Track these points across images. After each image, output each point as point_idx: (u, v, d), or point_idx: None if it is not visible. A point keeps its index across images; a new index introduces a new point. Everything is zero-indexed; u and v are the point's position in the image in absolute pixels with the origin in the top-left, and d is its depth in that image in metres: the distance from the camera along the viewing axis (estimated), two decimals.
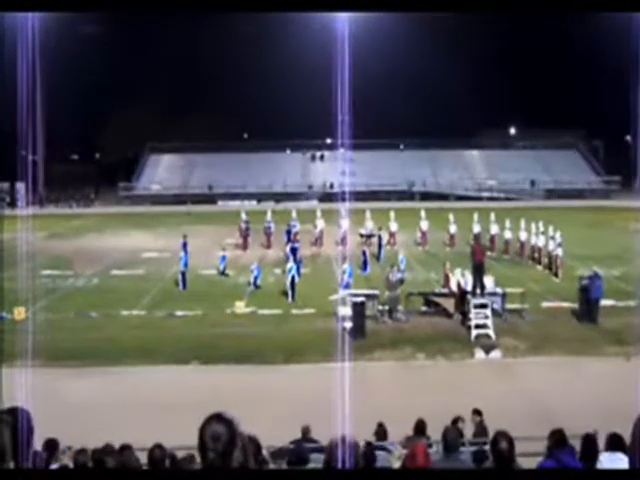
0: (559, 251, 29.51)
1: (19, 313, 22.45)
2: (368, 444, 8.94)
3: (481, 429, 11.35)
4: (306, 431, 11.08)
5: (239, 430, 3.62)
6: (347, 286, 24.87)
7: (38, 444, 6.76)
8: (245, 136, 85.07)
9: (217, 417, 3.62)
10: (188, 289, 27.57)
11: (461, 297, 22.51)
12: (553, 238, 30.21)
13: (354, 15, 51.83)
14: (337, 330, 20.10)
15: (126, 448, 8.07)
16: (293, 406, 14.81)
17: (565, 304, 23.78)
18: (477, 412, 11.92)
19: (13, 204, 58.06)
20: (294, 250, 30.54)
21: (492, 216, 35.37)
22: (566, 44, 72.60)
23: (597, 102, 67.53)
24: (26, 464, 3.78)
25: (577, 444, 8.39)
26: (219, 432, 3.53)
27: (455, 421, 10.62)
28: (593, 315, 21.94)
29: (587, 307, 22.20)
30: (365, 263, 30.49)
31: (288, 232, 35.27)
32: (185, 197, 65.48)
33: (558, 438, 7.64)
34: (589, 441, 7.95)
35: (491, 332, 20.62)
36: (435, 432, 9.61)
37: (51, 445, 7.87)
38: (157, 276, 30.16)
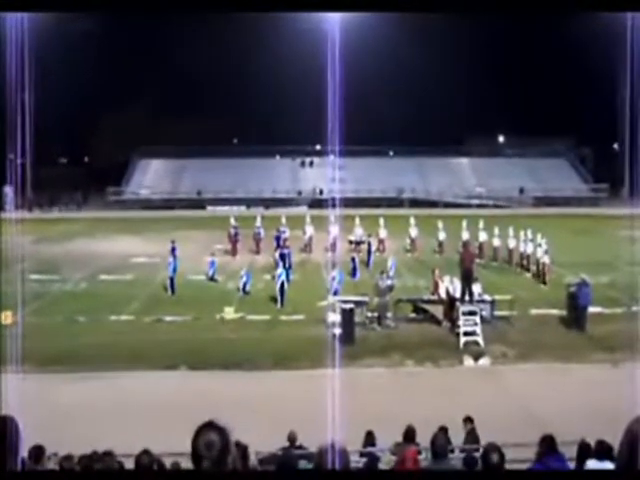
0: (546, 258, 29.63)
1: (6, 317, 22.29)
2: (362, 455, 8.93)
3: (472, 437, 11.33)
4: (292, 437, 11.05)
5: (231, 437, 3.64)
6: (336, 292, 24.86)
7: (25, 451, 6.69)
8: (235, 141, 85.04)
9: (210, 425, 3.63)
10: (177, 294, 27.48)
11: (450, 304, 22.53)
12: (540, 245, 30.37)
13: (344, 22, 51.99)
14: (326, 336, 20.08)
15: (107, 454, 8.02)
16: (282, 412, 14.76)
17: (553, 311, 23.85)
18: (469, 419, 11.89)
19: (1, 208, 57.69)
20: (283, 256, 30.50)
21: (481, 223, 35.48)
22: (555, 53, 73.03)
23: (586, 111, 67.95)
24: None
25: (566, 450, 8.41)
26: (213, 440, 3.56)
27: (442, 428, 10.60)
28: (581, 322, 22.01)
29: (575, 314, 22.28)
30: (354, 269, 30.49)
31: (277, 238, 35.20)
32: (174, 202, 65.39)
33: (548, 444, 7.65)
34: (584, 449, 7.98)
35: (480, 339, 20.65)
36: (424, 439, 9.60)
37: (37, 452, 7.80)
38: (146, 281, 30.04)
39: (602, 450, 7.32)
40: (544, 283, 29.05)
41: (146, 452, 7.48)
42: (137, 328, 22.83)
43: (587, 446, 8.00)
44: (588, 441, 8.14)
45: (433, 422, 10.43)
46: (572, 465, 7.64)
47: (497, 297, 24.03)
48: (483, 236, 35.05)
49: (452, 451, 9.71)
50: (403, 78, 72.49)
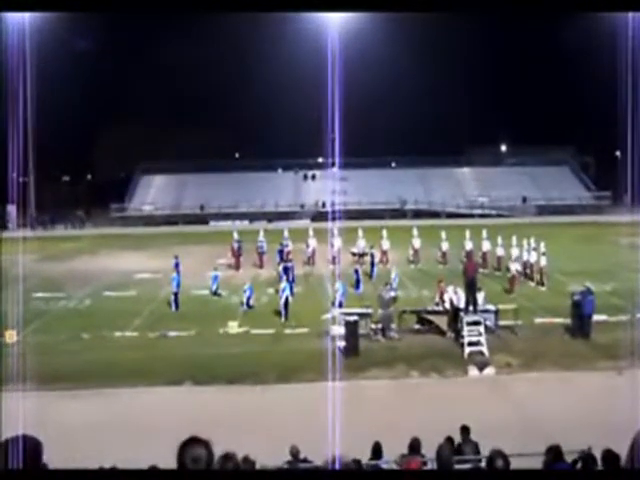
0: (517, 265, 30.52)
1: (10, 336, 22.32)
2: (355, 462, 8.87)
3: (472, 446, 11.28)
4: (294, 451, 11.02)
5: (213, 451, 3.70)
6: (340, 305, 24.84)
7: None
8: (237, 156, 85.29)
9: (194, 440, 3.68)
10: (181, 310, 27.47)
11: (454, 314, 22.50)
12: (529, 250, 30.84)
13: (345, 32, 52.26)
14: (330, 349, 20.04)
15: (113, 471, 8.01)
16: (287, 426, 14.73)
17: (558, 320, 23.79)
18: (465, 429, 11.82)
19: (4, 227, 57.86)
20: (286, 269, 30.50)
21: (484, 233, 35.46)
22: (556, 62, 73.28)
23: (587, 118, 68.06)
24: None
25: (571, 460, 8.38)
26: (199, 454, 3.60)
27: (448, 440, 10.56)
28: (585, 330, 21.96)
29: (579, 322, 22.21)
30: (358, 282, 30.44)
31: (280, 251, 35.24)
32: (177, 217, 65.53)
33: (555, 454, 7.65)
34: (588, 460, 7.96)
35: (484, 349, 20.60)
36: (430, 450, 9.59)
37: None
38: (149, 297, 30.04)
39: (609, 458, 7.30)
40: (508, 292, 29.01)
41: (154, 468, 7.48)
42: (141, 344, 22.82)
43: (591, 457, 7.98)
44: (593, 452, 8.12)
45: (438, 433, 10.42)
46: None
47: (501, 306, 23.98)
48: (486, 246, 35.05)
49: (458, 462, 9.67)
50: (404, 90, 72.79)
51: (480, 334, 20.97)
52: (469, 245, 35.04)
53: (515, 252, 32.58)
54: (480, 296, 22.99)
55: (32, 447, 3.84)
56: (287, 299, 25.72)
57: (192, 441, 3.71)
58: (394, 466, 10.11)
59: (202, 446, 3.69)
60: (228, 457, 4.40)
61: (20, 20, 48.63)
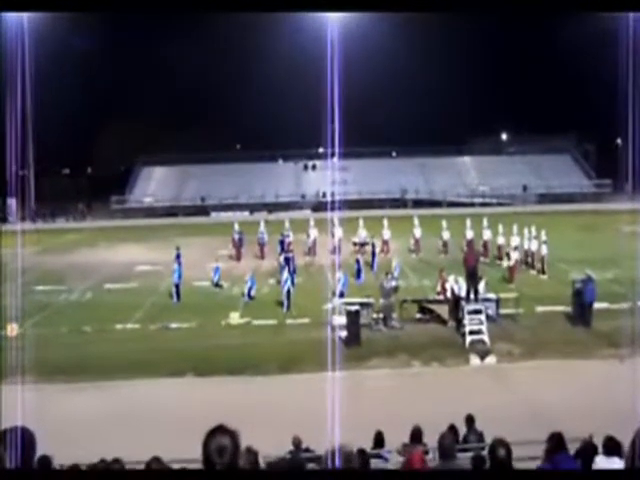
0: (517, 254, 30.27)
1: (11, 329, 22.34)
2: (361, 452, 8.88)
3: (476, 436, 11.30)
4: (297, 442, 11.03)
5: (240, 441, 3.62)
6: (341, 295, 24.84)
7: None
8: (238, 147, 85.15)
9: (220, 429, 3.59)
10: (182, 301, 27.48)
11: (455, 303, 22.49)
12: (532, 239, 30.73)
13: (345, 24, 52.05)
14: (332, 339, 20.05)
15: (116, 462, 8.02)
16: (289, 416, 14.75)
17: (559, 308, 23.78)
18: (470, 418, 11.84)
19: (4, 220, 57.84)
20: (288, 260, 30.49)
21: (485, 222, 35.42)
22: (557, 49, 73.01)
23: (588, 106, 67.84)
24: None
25: (574, 448, 8.39)
26: (224, 444, 3.52)
27: (451, 428, 10.57)
28: (587, 318, 21.95)
29: (581, 310, 22.21)
30: (359, 271, 30.44)
31: (281, 242, 35.24)
32: (178, 209, 65.50)
33: (557, 442, 7.63)
34: (589, 449, 7.96)
35: (486, 338, 20.60)
36: (431, 439, 9.58)
37: (44, 462, 7.79)
38: (151, 289, 30.04)
39: (611, 446, 7.30)
40: (510, 281, 28.90)
41: (156, 459, 7.48)
42: (143, 336, 22.84)
43: (592, 446, 7.97)
44: (594, 441, 8.12)
45: (440, 422, 10.42)
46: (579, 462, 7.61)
47: (502, 295, 23.98)
48: (487, 234, 35.00)
49: (462, 450, 9.68)
50: (404, 78, 72.64)
51: (481, 323, 20.97)
52: (470, 234, 34.99)
53: (516, 241, 32.48)
54: (481, 285, 22.98)
55: (26, 439, 3.80)
56: (288, 290, 25.75)
57: (218, 430, 3.61)
58: (396, 455, 10.13)
59: (227, 436, 3.58)
60: None
61: (19, 20, 48.50)
